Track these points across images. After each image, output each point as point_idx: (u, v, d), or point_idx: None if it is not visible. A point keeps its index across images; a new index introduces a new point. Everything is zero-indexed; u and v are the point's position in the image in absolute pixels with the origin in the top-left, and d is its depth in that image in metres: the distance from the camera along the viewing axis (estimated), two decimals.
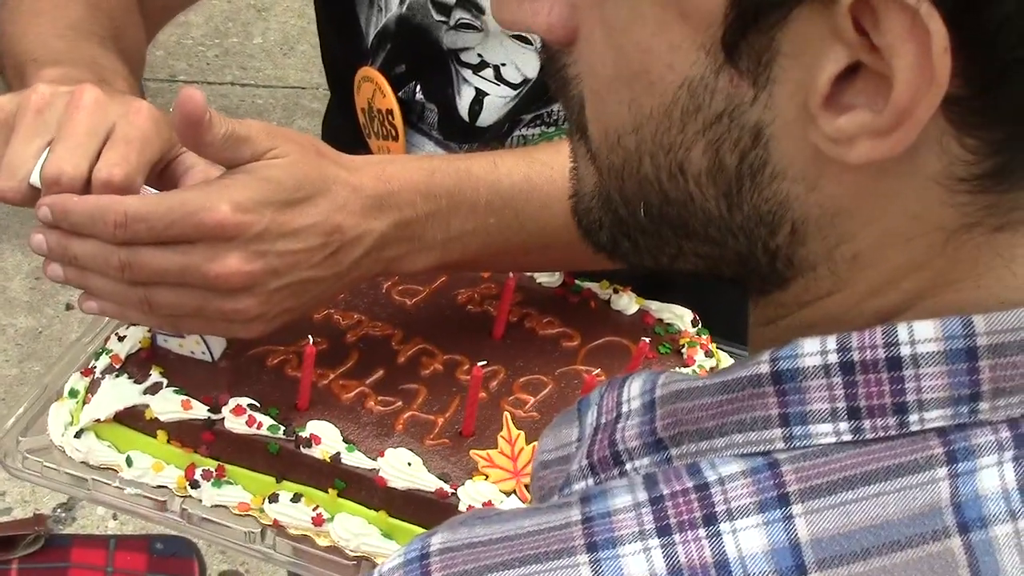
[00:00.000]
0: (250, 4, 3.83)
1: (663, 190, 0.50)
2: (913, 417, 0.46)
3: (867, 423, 0.47)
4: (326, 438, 0.90)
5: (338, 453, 0.90)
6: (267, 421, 0.91)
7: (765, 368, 0.48)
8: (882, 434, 0.46)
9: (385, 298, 1.02)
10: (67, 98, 0.83)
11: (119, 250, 0.80)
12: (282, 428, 0.90)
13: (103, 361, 0.95)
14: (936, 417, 0.46)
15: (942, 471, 0.46)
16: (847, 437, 0.47)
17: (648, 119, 0.49)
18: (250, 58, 3.63)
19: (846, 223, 0.47)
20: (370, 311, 1.01)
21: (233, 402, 0.91)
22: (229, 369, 0.95)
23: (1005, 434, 0.46)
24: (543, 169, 0.91)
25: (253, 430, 0.90)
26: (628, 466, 0.51)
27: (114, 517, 2.21)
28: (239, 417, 0.91)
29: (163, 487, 0.92)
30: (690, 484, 0.48)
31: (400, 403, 0.94)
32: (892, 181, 0.46)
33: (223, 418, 0.91)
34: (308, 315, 0.91)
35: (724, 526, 0.46)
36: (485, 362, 0.93)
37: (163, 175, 0.87)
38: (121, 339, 0.96)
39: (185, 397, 0.91)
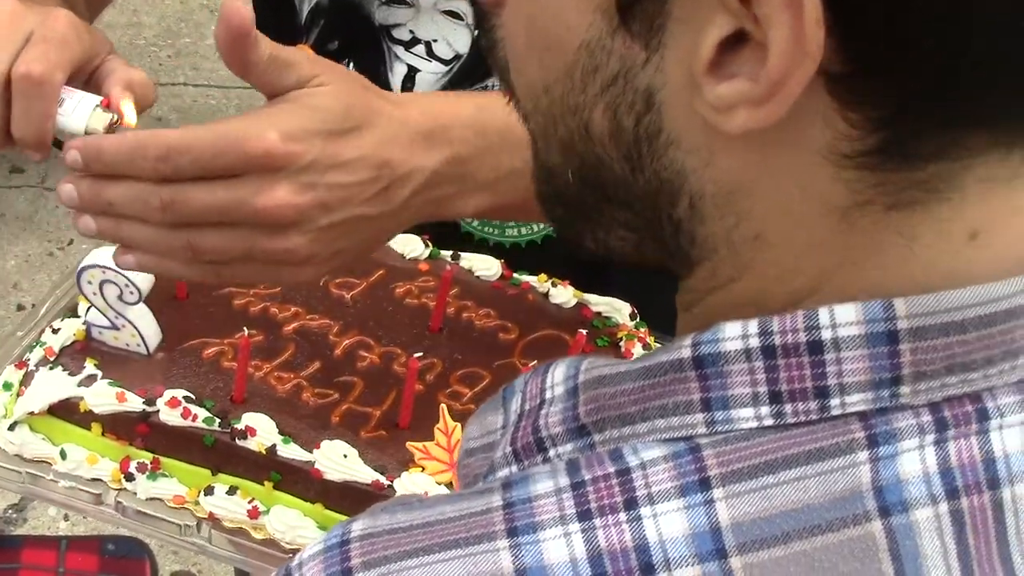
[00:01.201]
0: (203, 4, 3.81)
1: (578, 152, 0.51)
2: (834, 401, 0.46)
3: (788, 407, 0.47)
4: (262, 430, 0.90)
5: (274, 445, 0.89)
6: (202, 413, 0.90)
7: (687, 353, 0.48)
8: (803, 418, 0.46)
9: (323, 291, 1.02)
10: None
11: (160, 189, 0.74)
12: (217, 420, 0.90)
13: (37, 354, 0.94)
14: (857, 401, 0.46)
15: (863, 455, 0.46)
16: (769, 422, 0.47)
17: (556, 80, 0.50)
18: (203, 59, 3.61)
19: (742, 201, 0.48)
20: (307, 303, 1.01)
21: (168, 394, 0.91)
22: (164, 361, 0.94)
23: (926, 418, 0.46)
24: None
25: (188, 422, 0.90)
26: (551, 452, 0.51)
27: (65, 518, 2.19)
28: (174, 409, 0.90)
29: (98, 480, 0.92)
30: (612, 469, 0.47)
31: (337, 395, 0.94)
32: (781, 156, 0.46)
33: (158, 410, 0.91)
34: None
35: (645, 510, 0.46)
36: (421, 354, 0.93)
37: (88, 83, 0.83)
38: (56, 331, 0.95)
39: (120, 389, 0.91)
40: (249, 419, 0.90)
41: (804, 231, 0.48)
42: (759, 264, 0.49)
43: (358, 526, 0.49)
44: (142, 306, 0.93)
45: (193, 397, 0.91)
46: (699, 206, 0.49)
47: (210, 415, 0.90)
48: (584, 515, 0.46)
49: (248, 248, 0.76)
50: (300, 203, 0.75)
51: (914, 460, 0.46)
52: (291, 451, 0.89)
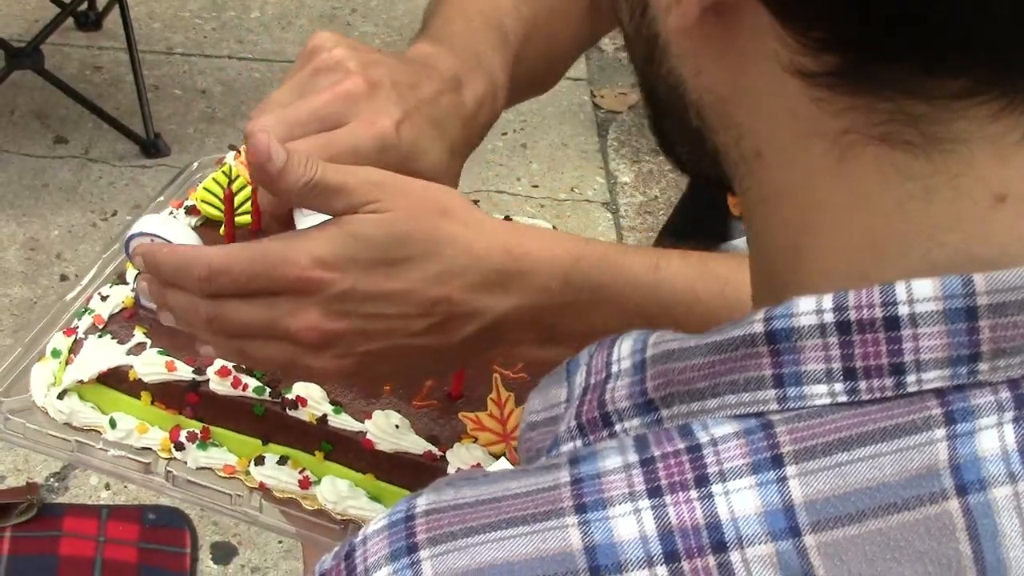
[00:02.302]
0: None
1: (636, 66, 0.56)
2: (911, 378, 0.46)
3: (863, 384, 0.46)
4: (312, 400, 0.89)
5: (325, 415, 0.88)
6: (252, 383, 0.89)
7: (759, 328, 0.47)
8: (878, 395, 0.46)
9: None
10: (340, 75, 0.80)
11: (206, 303, 0.75)
12: (268, 390, 0.89)
13: (86, 321, 0.93)
14: (934, 378, 0.45)
15: (940, 432, 0.45)
16: (843, 398, 0.46)
17: None
18: (248, 32, 3.61)
19: (735, 113, 0.50)
20: None
21: (218, 363, 0.90)
22: None
23: (1005, 395, 0.45)
24: (714, 284, 0.78)
25: (238, 392, 0.89)
26: (618, 427, 0.50)
27: (107, 487, 2.20)
28: (224, 378, 0.89)
29: (147, 449, 0.91)
30: (682, 445, 0.47)
31: None
32: (751, 68, 0.48)
33: (208, 379, 0.90)
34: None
35: (716, 487, 0.46)
36: None
37: None
38: (104, 299, 0.95)
39: (169, 358, 0.90)
40: (300, 389, 0.89)
41: (801, 154, 0.49)
42: (774, 183, 0.51)
43: (423, 501, 0.49)
44: None
45: (243, 366, 0.90)
46: (705, 116, 0.52)
47: (260, 384, 0.89)
48: (654, 492, 0.46)
49: (290, 361, 0.75)
50: (331, 328, 0.73)
51: (992, 437, 0.45)
52: (342, 421, 0.88)
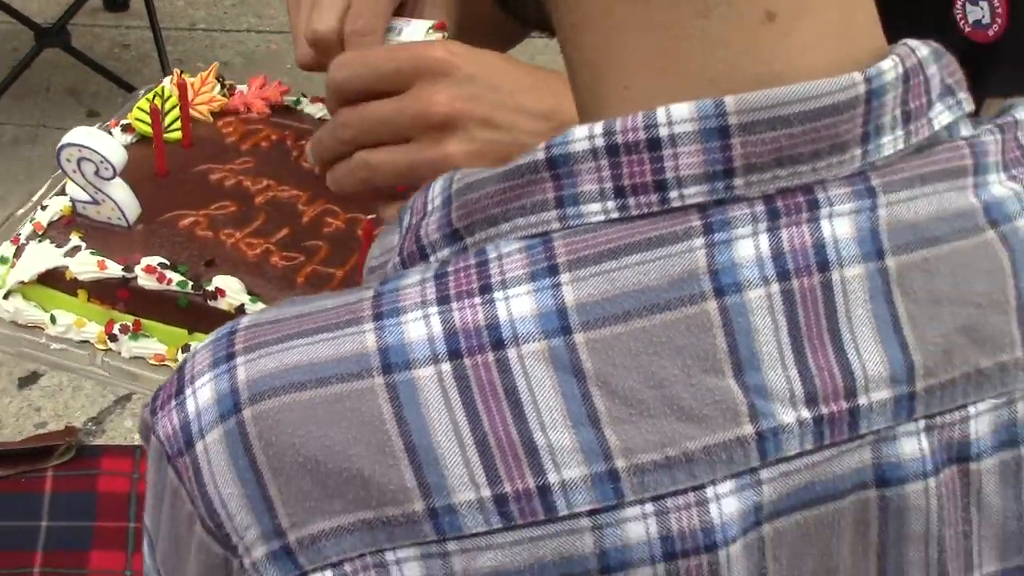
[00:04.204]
0: None
1: None
2: (673, 194, 0.49)
3: (632, 200, 0.50)
4: (231, 291, 0.96)
5: (243, 304, 0.96)
6: (176, 277, 0.97)
7: (541, 155, 0.51)
8: (646, 210, 0.50)
9: (293, 164, 1.08)
10: None
11: (345, 110, 0.82)
12: (190, 283, 0.97)
13: (27, 228, 1.02)
14: (694, 193, 0.49)
15: (699, 241, 0.49)
16: (615, 215, 0.50)
17: None
18: (265, 6, 3.70)
19: None
20: (278, 176, 1.07)
21: (145, 261, 0.97)
22: (143, 232, 1.01)
23: (760, 208, 0.49)
24: None
25: (164, 286, 0.97)
26: (432, 258, 0.54)
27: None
28: (151, 275, 0.97)
29: (86, 342, 0.99)
30: (472, 261, 0.51)
31: (302, 258, 1.00)
32: None
33: (136, 276, 0.97)
34: None
35: (498, 294, 0.50)
36: (374, 216, 0.98)
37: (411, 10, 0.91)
38: (44, 208, 1.03)
39: (101, 258, 0.98)
40: (219, 281, 0.96)
41: None
42: (582, 9, 0.53)
43: (246, 320, 0.54)
44: (120, 181, 0.99)
45: (168, 263, 0.98)
46: None
47: (183, 279, 0.97)
48: (443, 300, 0.50)
49: (414, 161, 0.81)
50: (462, 107, 0.79)
51: (748, 246, 0.49)
52: (258, 309, 0.95)
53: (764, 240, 0.49)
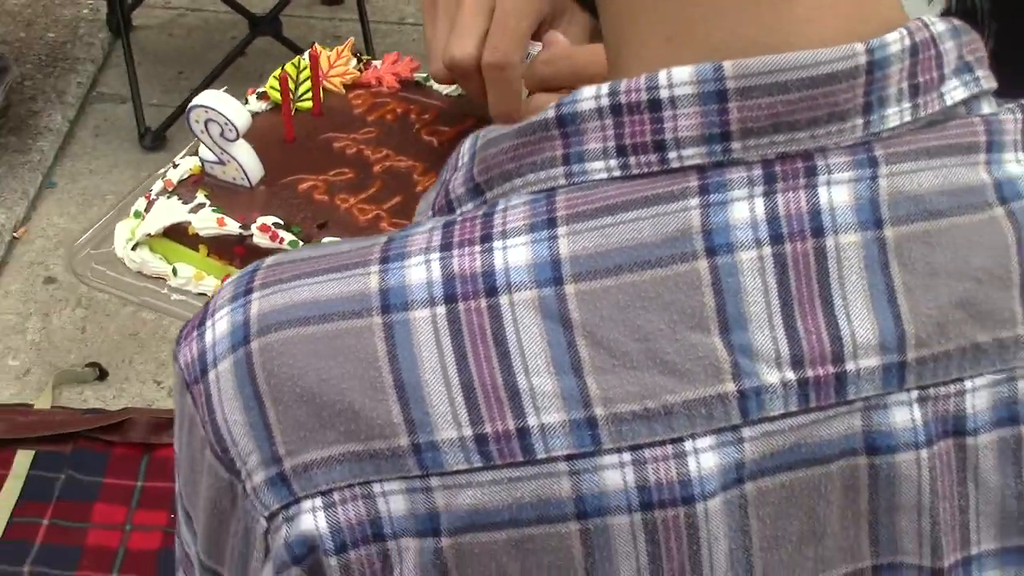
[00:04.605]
0: None
1: None
2: (672, 154, 0.51)
3: (632, 159, 0.51)
4: None
5: None
6: (288, 237, 1.01)
7: (551, 113, 0.53)
8: (646, 170, 0.51)
9: (414, 136, 1.11)
10: None
11: None
12: (301, 243, 1.01)
13: (158, 185, 1.08)
14: (692, 155, 0.50)
15: (694, 201, 0.50)
16: (617, 173, 0.51)
17: None
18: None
19: None
20: (399, 147, 1.09)
21: (260, 220, 1.02)
22: (264, 193, 1.06)
23: (757, 172, 0.50)
24: None
25: (276, 244, 1.01)
26: (457, 212, 0.56)
27: None
28: (265, 233, 1.01)
29: (203, 295, 1.04)
30: (480, 212, 0.53)
31: None
32: None
33: (252, 234, 1.02)
34: None
35: (497, 243, 0.52)
36: None
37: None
38: (175, 167, 1.08)
39: (221, 215, 1.03)
40: (329, 241, 1.00)
41: None
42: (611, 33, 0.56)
43: (271, 259, 0.57)
44: (244, 143, 1.04)
45: (283, 223, 1.02)
46: None
47: (295, 239, 1.01)
48: (445, 247, 0.52)
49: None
50: None
51: (743, 208, 0.50)
52: None
53: (760, 203, 0.50)
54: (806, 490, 0.51)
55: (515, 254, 0.51)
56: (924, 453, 0.51)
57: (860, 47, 0.50)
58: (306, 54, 1.17)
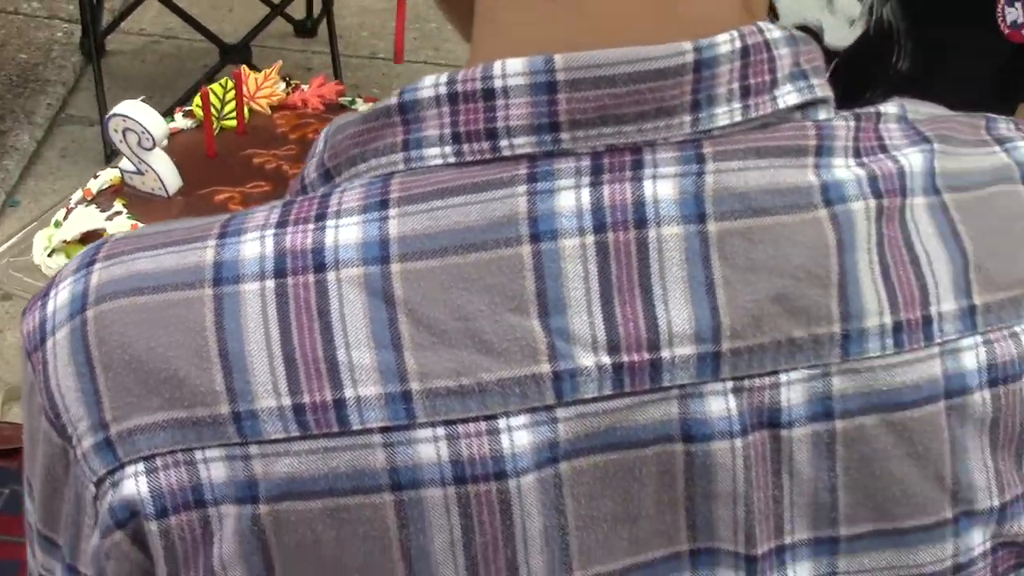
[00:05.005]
0: None
1: None
2: (503, 143, 0.52)
3: (466, 147, 0.52)
4: None
5: None
6: None
7: (394, 100, 0.54)
8: (479, 157, 0.52)
9: None
10: None
11: None
12: None
13: (77, 195, 1.10)
14: (523, 143, 0.51)
15: (522, 188, 0.51)
16: (451, 159, 0.52)
17: None
18: (444, 41, 3.81)
19: None
20: None
21: None
22: (180, 203, 1.08)
23: (586, 163, 0.52)
24: None
25: None
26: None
27: None
28: None
29: None
30: (318, 193, 0.54)
31: None
32: None
33: None
34: None
35: (330, 222, 0.52)
36: None
37: None
38: (96, 177, 1.11)
39: (135, 222, 1.05)
40: None
41: None
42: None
43: (120, 233, 0.57)
44: (162, 153, 1.06)
45: None
46: None
47: None
48: (281, 224, 0.53)
49: None
50: None
51: (569, 197, 0.51)
52: None
53: (586, 193, 0.51)
54: (620, 472, 0.52)
55: (346, 233, 0.52)
56: (739, 443, 0.52)
57: (688, 45, 0.51)
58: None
